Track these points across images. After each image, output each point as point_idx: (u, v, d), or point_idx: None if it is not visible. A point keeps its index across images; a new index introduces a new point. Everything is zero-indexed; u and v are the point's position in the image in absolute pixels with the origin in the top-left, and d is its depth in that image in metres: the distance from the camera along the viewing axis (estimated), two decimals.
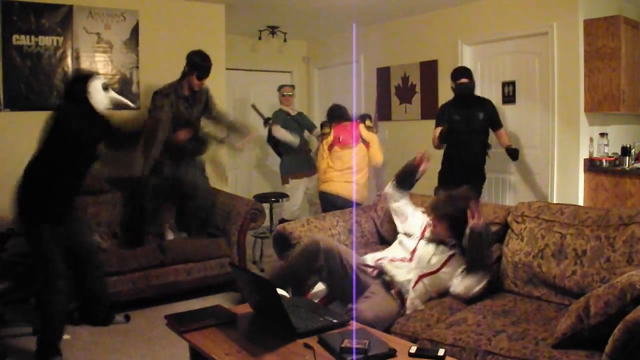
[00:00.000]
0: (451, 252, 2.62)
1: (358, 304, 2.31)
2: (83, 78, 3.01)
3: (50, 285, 2.89)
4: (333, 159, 4.33)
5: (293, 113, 5.49)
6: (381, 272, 2.58)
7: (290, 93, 5.52)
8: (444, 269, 2.57)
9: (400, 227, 2.93)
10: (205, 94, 4.12)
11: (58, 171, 2.92)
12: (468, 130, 4.15)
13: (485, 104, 4.27)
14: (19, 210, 2.93)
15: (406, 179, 3.00)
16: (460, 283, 2.50)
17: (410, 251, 2.66)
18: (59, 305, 2.92)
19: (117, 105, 3.19)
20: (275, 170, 6.85)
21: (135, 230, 3.94)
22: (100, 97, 2.98)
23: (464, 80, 4.16)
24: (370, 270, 2.60)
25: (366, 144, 4.30)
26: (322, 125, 4.70)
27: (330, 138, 4.36)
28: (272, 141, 5.48)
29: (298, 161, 5.39)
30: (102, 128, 2.99)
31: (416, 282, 2.52)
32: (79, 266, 3.19)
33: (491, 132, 4.27)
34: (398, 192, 2.99)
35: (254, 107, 5.65)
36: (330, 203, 4.26)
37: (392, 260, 2.62)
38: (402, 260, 2.62)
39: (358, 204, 3.99)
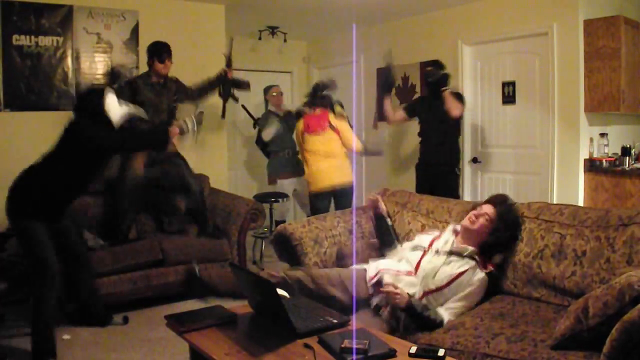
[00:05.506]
0: (463, 269, 2.41)
1: None
2: (98, 92, 3.05)
3: (43, 286, 2.90)
4: (306, 147, 4.41)
5: (281, 113, 5.51)
6: (380, 285, 2.45)
7: (280, 92, 5.57)
8: (451, 286, 2.37)
9: (406, 243, 2.78)
10: (173, 83, 4.20)
11: (65, 176, 2.92)
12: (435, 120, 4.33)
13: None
14: (10, 207, 2.94)
15: (382, 233, 2.92)
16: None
17: (415, 264, 2.50)
18: (51, 301, 2.92)
19: (131, 118, 3.24)
20: None
21: (112, 227, 3.95)
22: (117, 111, 3.03)
23: (428, 68, 4.39)
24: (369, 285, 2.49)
25: (336, 130, 4.37)
26: (285, 120, 4.91)
27: (300, 126, 4.45)
28: (260, 143, 5.56)
29: (284, 162, 5.42)
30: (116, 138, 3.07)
31: (421, 298, 2.37)
32: (70, 266, 3.20)
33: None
34: (390, 251, 2.79)
35: (244, 107, 5.68)
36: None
37: (397, 274, 2.48)
38: (408, 273, 2.47)
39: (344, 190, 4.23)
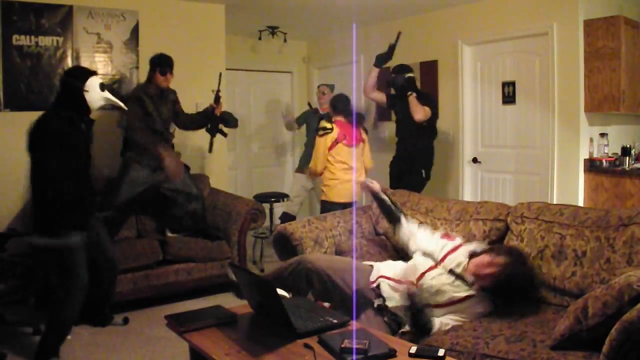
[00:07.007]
0: (468, 294, 2.33)
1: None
2: (82, 74, 2.98)
3: (71, 294, 2.88)
4: (334, 157, 4.21)
5: (322, 112, 5.51)
6: (379, 294, 2.43)
7: (325, 92, 5.58)
8: (450, 307, 2.33)
9: (420, 244, 2.65)
10: (172, 94, 4.15)
11: (65, 177, 2.89)
12: (408, 122, 4.37)
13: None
14: (46, 223, 2.85)
15: (385, 211, 2.92)
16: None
17: (419, 274, 2.43)
18: (74, 312, 2.93)
19: (110, 106, 3.19)
20: (275, 170, 6.89)
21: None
22: (96, 96, 2.95)
23: (392, 75, 4.54)
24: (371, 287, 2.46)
25: (364, 145, 4.33)
26: (321, 119, 4.70)
27: (335, 134, 4.20)
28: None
29: (307, 157, 5.41)
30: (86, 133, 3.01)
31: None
32: (96, 270, 3.16)
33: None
34: (401, 228, 2.79)
35: (309, 105, 6.06)
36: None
37: (397, 283, 2.43)
38: (411, 283, 2.40)
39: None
